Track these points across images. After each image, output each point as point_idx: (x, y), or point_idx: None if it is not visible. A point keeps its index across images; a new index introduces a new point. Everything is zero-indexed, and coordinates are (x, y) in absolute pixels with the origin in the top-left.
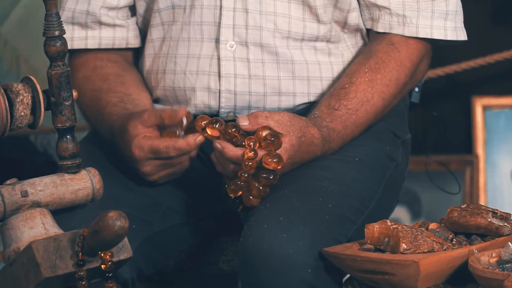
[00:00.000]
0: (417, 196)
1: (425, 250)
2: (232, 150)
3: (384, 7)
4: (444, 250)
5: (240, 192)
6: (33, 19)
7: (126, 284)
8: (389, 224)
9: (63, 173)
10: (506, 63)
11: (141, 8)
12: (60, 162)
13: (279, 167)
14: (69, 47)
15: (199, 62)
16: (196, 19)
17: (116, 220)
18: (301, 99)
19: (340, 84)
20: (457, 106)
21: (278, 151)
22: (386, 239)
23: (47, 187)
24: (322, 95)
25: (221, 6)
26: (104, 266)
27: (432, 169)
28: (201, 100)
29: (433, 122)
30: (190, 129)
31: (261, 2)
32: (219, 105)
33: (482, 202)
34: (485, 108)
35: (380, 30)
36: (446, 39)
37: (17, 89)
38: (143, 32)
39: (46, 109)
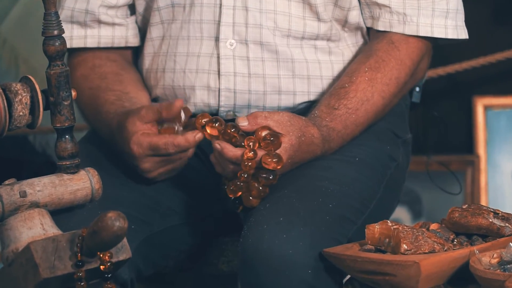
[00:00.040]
0: (418, 197)
1: (426, 251)
2: (231, 151)
3: (385, 5)
4: (445, 250)
5: (240, 193)
6: (32, 18)
7: (125, 284)
8: (390, 224)
9: (62, 173)
10: (508, 63)
11: (140, 6)
12: (59, 162)
13: (278, 167)
14: (68, 46)
15: (198, 60)
16: (196, 17)
17: (115, 220)
18: (301, 98)
19: (340, 84)
20: (458, 106)
21: (277, 151)
22: (387, 239)
23: (45, 188)
24: (322, 94)
25: (221, 4)
26: (103, 266)
27: (433, 169)
28: (201, 98)
29: (434, 122)
30: (190, 127)
31: (261, 0)
32: (219, 104)
33: (483, 202)
34: (486, 108)
35: (381, 28)
36: (446, 37)
37: (16, 88)
38: (143, 31)
39: (45, 109)
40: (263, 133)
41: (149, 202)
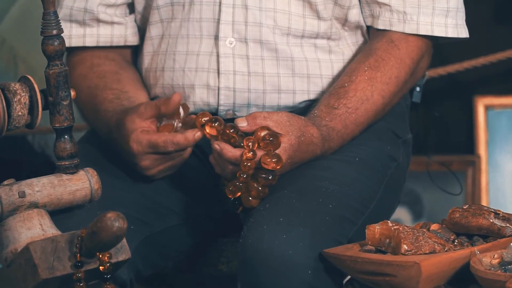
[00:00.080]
0: (419, 197)
1: (427, 251)
2: (230, 151)
3: (385, 4)
4: (446, 251)
5: (239, 193)
6: (30, 18)
7: (124, 285)
8: (390, 225)
9: (61, 173)
10: (509, 63)
11: (139, 5)
12: (58, 162)
13: (278, 167)
14: (67, 44)
15: (198, 59)
16: (195, 16)
17: (115, 221)
18: (301, 97)
19: (339, 83)
20: (459, 106)
21: (277, 151)
22: (387, 240)
23: (44, 188)
24: (322, 93)
25: (220, 3)
26: (102, 267)
27: (434, 170)
28: (200, 97)
29: (434, 122)
30: (190, 125)
31: None
32: (218, 103)
33: (484, 202)
34: (487, 108)
35: (380, 27)
36: (447, 36)
37: (15, 88)
38: (142, 30)
39: (43, 109)
40: (262, 133)
41: (148, 203)
